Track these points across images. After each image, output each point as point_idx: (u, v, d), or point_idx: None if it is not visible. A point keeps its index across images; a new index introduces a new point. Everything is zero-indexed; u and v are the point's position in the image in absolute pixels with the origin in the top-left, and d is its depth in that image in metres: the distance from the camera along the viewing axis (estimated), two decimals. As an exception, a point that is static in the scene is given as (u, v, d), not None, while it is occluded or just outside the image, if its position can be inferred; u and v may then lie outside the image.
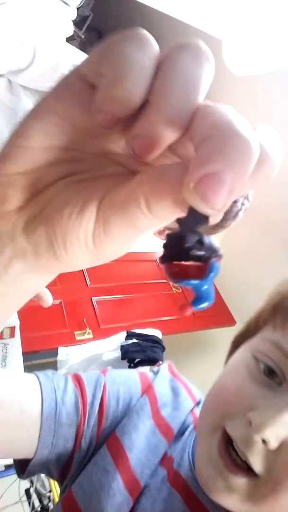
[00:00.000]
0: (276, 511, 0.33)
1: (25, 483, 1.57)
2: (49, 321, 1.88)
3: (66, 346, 1.81)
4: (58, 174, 0.19)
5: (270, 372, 0.35)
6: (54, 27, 1.07)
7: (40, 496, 1.49)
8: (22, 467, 0.44)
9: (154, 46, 0.16)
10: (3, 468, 1.70)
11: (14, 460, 0.46)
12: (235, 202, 0.82)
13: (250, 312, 0.44)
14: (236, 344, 0.44)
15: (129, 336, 1.80)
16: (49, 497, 1.46)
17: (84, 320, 2.00)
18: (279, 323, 0.37)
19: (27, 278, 0.21)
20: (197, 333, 2.50)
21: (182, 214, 0.17)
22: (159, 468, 0.42)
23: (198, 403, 0.51)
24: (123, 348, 1.71)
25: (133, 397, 0.47)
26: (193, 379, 0.54)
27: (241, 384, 0.36)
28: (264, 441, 0.31)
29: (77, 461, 0.43)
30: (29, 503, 1.53)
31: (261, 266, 2.40)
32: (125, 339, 1.78)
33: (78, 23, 2.27)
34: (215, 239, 0.18)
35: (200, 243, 0.17)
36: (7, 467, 1.67)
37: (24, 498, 1.56)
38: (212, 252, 0.18)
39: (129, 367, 1.65)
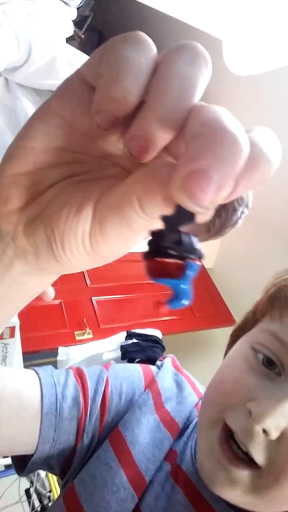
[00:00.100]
0: (280, 502, 0.33)
1: (25, 483, 1.57)
2: (49, 321, 1.88)
3: (66, 346, 1.81)
4: (59, 176, 0.20)
5: (268, 363, 0.35)
6: (53, 27, 1.07)
7: (40, 496, 1.49)
8: (21, 464, 0.44)
9: (152, 47, 0.17)
10: (3, 468, 1.70)
11: (13, 457, 0.46)
12: (235, 210, 0.81)
13: (250, 312, 0.44)
14: (235, 337, 0.44)
15: (129, 336, 1.80)
16: (49, 497, 1.46)
17: (84, 320, 2.00)
18: (276, 314, 0.37)
19: (29, 280, 0.21)
20: (197, 333, 2.50)
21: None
22: (163, 463, 0.42)
23: (202, 398, 0.50)
24: (123, 348, 1.71)
25: (136, 391, 0.47)
26: (193, 379, 0.54)
27: (240, 376, 0.36)
28: (265, 432, 0.31)
29: (79, 456, 0.43)
30: (29, 503, 1.53)
31: (261, 266, 2.40)
32: (125, 339, 1.79)
33: (78, 23, 2.28)
34: (196, 239, 0.18)
35: (179, 242, 0.17)
36: (7, 467, 1.67)
37: (24, 498, 1.56)
38: (191, 251, 0.17)
39: (129, 367, 1.65)
